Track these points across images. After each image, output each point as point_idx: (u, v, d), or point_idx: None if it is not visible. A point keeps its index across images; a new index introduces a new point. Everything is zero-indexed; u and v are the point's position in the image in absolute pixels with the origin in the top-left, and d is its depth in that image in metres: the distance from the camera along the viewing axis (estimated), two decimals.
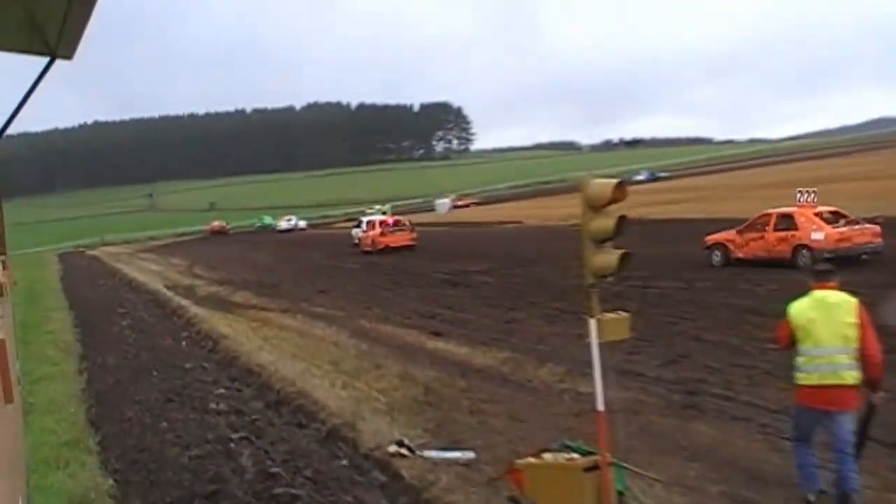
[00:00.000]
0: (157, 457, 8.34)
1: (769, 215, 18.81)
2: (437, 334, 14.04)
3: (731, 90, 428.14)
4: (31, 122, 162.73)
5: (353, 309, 18.20)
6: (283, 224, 78.48)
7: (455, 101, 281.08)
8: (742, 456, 6.94)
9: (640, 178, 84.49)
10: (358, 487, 6.94)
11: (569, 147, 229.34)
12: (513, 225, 46.74)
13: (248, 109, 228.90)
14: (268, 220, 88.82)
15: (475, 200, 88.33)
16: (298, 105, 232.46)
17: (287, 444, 8.42)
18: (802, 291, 5.84)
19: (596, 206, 5.25)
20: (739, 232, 19.24)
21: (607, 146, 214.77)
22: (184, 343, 15.85)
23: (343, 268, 30.57)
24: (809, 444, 5.82)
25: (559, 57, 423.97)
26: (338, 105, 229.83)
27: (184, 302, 21.99)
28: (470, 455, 7.37)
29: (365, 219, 41.09)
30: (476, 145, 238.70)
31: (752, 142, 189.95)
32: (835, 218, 17.89)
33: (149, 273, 36.65)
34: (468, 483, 6.65)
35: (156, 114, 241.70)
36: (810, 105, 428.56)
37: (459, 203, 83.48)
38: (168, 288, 26.80)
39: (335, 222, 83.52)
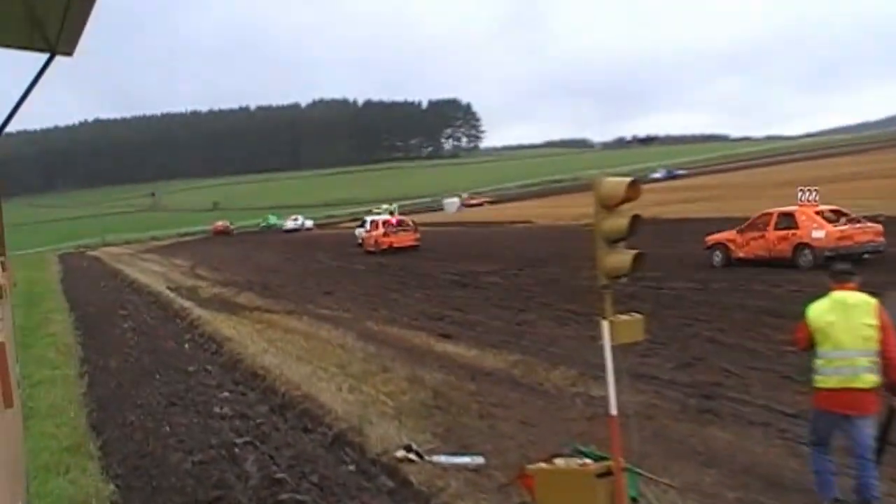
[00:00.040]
0: (159, 462, 8.26)
1: (770, 214, 18.76)
2: (446, 336, 13.94)
3: (745, 87, 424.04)
4: (31, 119, 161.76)
5: (360, 310, 18.12)
6: (290, 224, 77.80)
7: (464, 98, 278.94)
8: (759, 461, 6.83)
9: (658, 175, 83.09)
10: (365, 493, 6.85)
11: (581, 145, 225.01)
12: (523, 224, 46.43)
13: (253, 107, 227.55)
14: (273, 219, 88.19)
15: (488, 199, 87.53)
16: (304, 102, 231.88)
17: (292, 448, 8.31)
18: (821, 292, 5.73)
19: (609, 206, 5.16)
20: (740, 231, 19.16)
21: (620, 144, 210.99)
22: (187, 346, 15.75)
23: (349, 268, 30.53)
24: (827, 449, 5.74)
25: (570, 53, 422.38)
26: (344, 102, 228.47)
27: (187, 304, 21.87)
28: (480, 460, 7.26)
29: (369, 218, 41.19)
30: (486, 143, 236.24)
31: (769, 139, 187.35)
32: (836, 217, 17.87)
33: (151, 274, 36.54)
34: (478, 489, 6.55)
35: (158, 111, 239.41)
36: (828, 101, 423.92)
37: (472, 202, 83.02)
38: (171, 289, 26.67)
39: (341, 222, 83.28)
